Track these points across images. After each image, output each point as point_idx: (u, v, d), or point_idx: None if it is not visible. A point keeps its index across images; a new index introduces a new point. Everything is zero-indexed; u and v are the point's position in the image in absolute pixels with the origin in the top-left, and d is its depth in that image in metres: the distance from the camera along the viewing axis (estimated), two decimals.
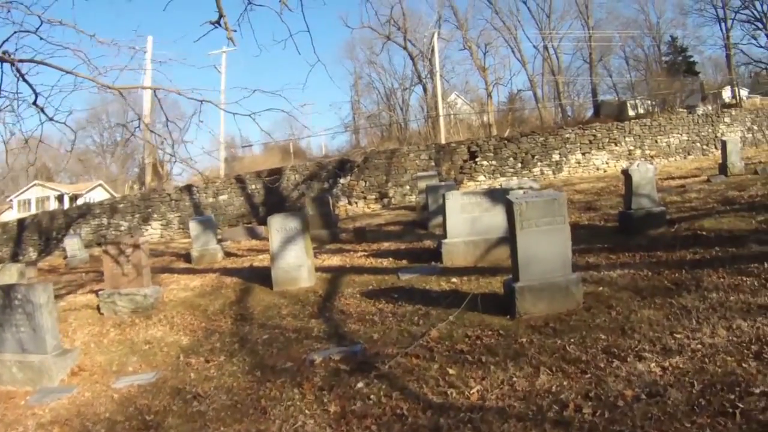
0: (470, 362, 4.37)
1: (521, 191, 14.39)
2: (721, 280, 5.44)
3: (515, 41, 43.36)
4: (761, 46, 43.57)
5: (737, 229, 7.74)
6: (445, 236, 7.99)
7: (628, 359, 3.88)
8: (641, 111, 36.27)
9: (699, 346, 3.88)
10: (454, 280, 6.81)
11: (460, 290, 6.33)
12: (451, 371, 4.23)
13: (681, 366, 3.65)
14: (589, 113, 42.75)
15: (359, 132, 48.86)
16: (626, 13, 50.38)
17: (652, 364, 3.74)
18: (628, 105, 38.75)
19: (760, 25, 42.15)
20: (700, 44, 53.63)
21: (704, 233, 7.65)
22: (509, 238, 5.26)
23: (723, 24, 43.35)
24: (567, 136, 18.94)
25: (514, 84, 73.70)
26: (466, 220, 7.69)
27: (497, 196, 7.69)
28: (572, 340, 4.40)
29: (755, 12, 42.05)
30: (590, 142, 18.83)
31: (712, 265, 6.01)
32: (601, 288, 5.71)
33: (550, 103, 43.40)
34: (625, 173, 8.48)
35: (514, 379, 3.91)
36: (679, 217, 9.05)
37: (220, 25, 4.50)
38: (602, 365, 3.88)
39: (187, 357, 5.81)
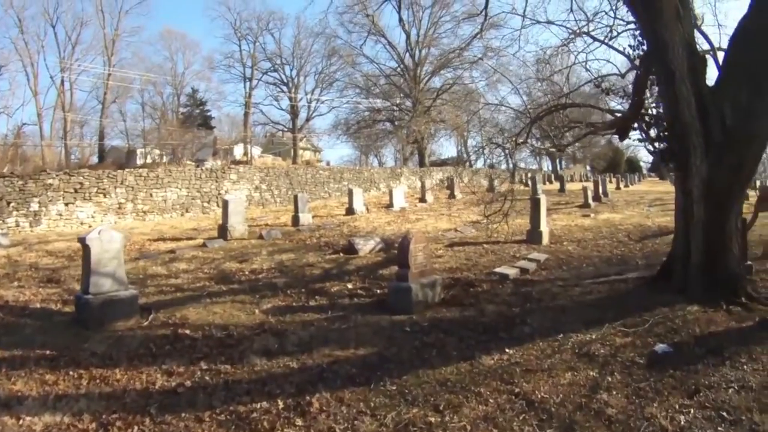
0: None
1: None
2: None
3: (33, 67, 46.49)
4: (282, 109, 57.13)
5: (236, 325, 7.07)
6: None
7: None
8: (149, 160, 41.08)
9: None
10: None
11: None
12: None
13: None
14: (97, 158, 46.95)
15: None
16: (154, 58, 59.43)
17: None
18: (138, 153, 43.92)
19: (285, 89, 55.20)
20: (221, 99, 67.87)
21: (188, 332, 6.85)
22: None
23: (248, 83, 55.49)
24: (50, 182, 19.02)
25: (23, 116, 75.76)
26: None
27: None
28: None
29: (282, 76, 55.58)
30: (76, 191, 19.39)
31: (208, 404, 4.68)
32: None
33: (59, 143, 46.80)
34: (83, 243, 7.83)
35: None
36: (159, 302, 8.43)
37: None
38: None
39: None
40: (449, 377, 4.90)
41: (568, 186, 31.24)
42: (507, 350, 5.57)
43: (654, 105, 9.62)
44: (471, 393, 4.52)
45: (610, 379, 4.71)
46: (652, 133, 9.56)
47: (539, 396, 4.40)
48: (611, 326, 6.06)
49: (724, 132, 7.08)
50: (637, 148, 70.88)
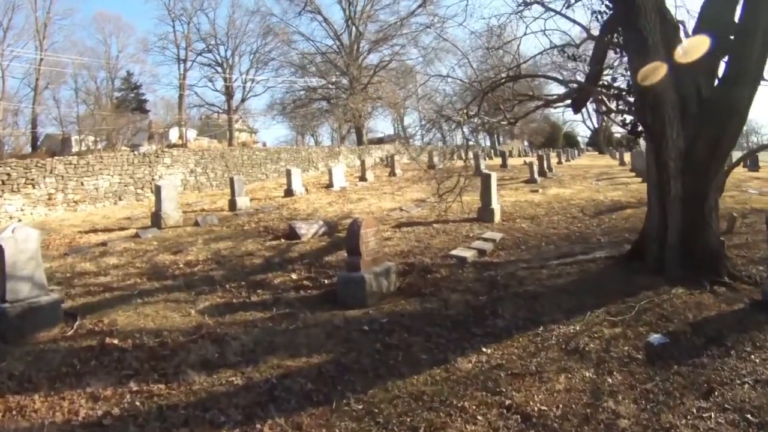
0: None
1: None
2: None
3: None
4: (216, 90, 54.91)
5: (170, 330, 6.24)
6: None
7: None
8: (84, 148, 39.78)
9: None
10: None
11: None
12: None
13: None
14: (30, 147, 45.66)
15: None
16: (88, 41, 56.16)
17: None
18: (73, 140, 42.64)
19: (219, 70, 53.06)
20: (155, 83, 64.85)
21: (116, 341, 6.02)
22: None
23: (183, 65, 52.81)
24: None
25: None
26: None
27: None
28: None
29: (217, 57, 53.38)
30: (3, 182, 18.40)
31: None
32: None
33: None
34: None
35: None
36: (86, 304, 7.63)
37: None
38: None
39: None
40: (424, 389, 4.18)
41: (509, 161, 31.04)
42: (484, 350, 4.92)
43: (622, 75, 9.15)
44: (453, 408, 3.83)
45: (610, 380, 4.12)
46: (614, 104, 9.11)
47: (535, 408, 3.75)
48: (594, 314, 5.49)
49: (700, 104, 6.61)
50: (575, 123, 72.16)
